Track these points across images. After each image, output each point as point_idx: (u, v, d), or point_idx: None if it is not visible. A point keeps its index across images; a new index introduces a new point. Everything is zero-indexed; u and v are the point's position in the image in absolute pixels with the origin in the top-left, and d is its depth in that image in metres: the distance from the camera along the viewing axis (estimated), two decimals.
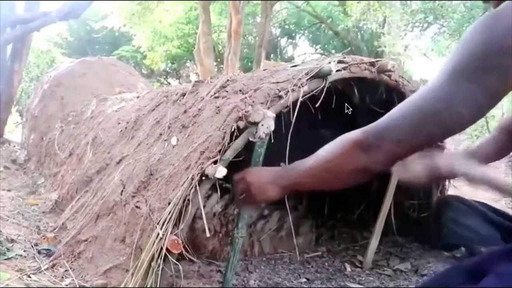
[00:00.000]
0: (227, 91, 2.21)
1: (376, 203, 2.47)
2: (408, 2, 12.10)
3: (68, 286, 1.91)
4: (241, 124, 1.82)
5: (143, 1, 12.82)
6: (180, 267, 1.73)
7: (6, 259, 2.09)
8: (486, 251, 0.99)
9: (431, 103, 0.84)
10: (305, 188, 1.12)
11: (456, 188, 2.78)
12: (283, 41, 18.30)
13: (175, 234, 1.70)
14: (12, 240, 2.36)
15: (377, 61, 2.25)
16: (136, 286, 1.71)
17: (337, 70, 2.07)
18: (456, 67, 0.83)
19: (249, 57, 15.41)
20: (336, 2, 14.83)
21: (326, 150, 1.01)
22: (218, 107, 2.08)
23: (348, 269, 2.47)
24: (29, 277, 1.93)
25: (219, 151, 1.80)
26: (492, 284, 0.81)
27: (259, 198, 1.19)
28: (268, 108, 1.86)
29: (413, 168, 1.41)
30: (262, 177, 1.18)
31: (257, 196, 1.18)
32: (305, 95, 1.96)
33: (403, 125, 0.86)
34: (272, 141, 1.67)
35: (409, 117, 0.86)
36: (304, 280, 2.32)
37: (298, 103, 1.91)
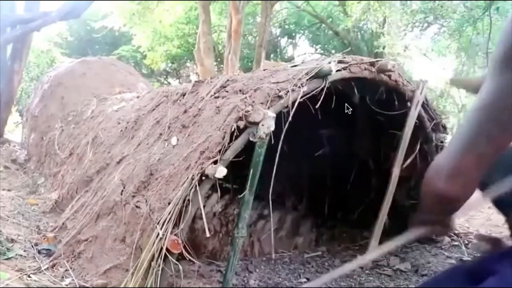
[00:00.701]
0: (227, 91, 2.21)
1: (376, 203, 2.46)
2: (408, 2, 12.07)
3: (68, 286, 1.91)
4: (241, 124, 1.82)
5: (143, 1, 12.81)
6: (180, 267, 1.73)
7: (6, 259, 2.09)
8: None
9: (485, 100, 0.80)
10: None
11: None
12: (283, 41, 18.28)
13: (175, 234, 1.70)
14: (12, 240, 2.35)
15: (377, 61, 2.25)
16: (136, 286, 1.71)
17: (337, 70, 2.07)
18: (497, 59, 0.80)
19: (249, 57, 15.38)
20: (336, 2, 14.82)
21: None
22: (218, 107, 2.08)
23: None
24: (29, 277, 1.93)
25: (219, 151, 1.80)
26: (495, 285, 0.80)
27: None
28: (268, 108, 1.86)
29: None
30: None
31: None
32: (305, 95, 1.96)
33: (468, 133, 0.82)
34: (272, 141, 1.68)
35: (471, 121, 0.82)
36: (304, 280, 2.31)
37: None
